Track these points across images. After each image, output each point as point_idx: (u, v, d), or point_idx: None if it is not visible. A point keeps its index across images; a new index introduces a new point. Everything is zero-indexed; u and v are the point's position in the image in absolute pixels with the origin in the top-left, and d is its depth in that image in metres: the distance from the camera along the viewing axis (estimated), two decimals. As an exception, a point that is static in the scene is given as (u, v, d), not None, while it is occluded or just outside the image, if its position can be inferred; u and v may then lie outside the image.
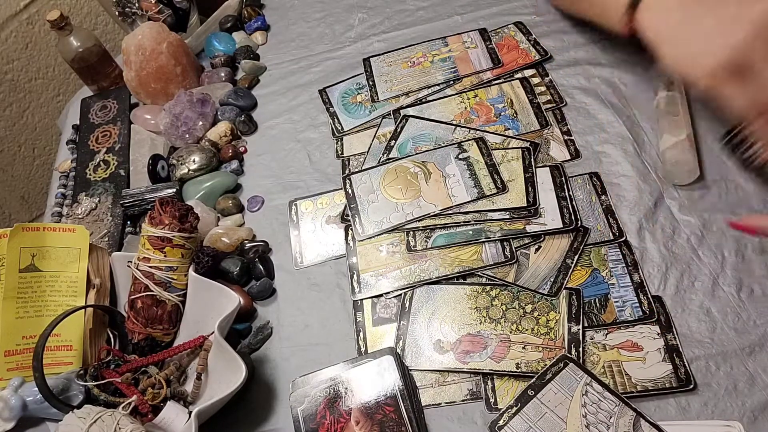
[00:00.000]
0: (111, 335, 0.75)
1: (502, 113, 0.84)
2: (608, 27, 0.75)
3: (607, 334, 0.63)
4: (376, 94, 0.93)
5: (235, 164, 0.92)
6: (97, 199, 0.93)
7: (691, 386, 0.58)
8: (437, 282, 0.71)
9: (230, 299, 0.67)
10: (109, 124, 1.04)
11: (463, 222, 0.74)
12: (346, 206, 0.80)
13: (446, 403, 0.63)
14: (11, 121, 1.50)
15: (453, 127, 0.84)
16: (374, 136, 0.88)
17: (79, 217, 0.92)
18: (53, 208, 0.96)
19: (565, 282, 0.67)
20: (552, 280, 0.68)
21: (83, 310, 0.72)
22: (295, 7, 1.16)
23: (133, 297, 0.72)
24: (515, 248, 0.71)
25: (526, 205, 0.73)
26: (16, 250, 0.73)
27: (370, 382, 0.63)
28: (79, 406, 0.64)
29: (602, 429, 0.57)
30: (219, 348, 0.65)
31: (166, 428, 0.65)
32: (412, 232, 0.75)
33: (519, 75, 0.89)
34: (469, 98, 0.87)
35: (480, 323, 0.67)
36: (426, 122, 0.86)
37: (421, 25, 1.02)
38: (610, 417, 0.57)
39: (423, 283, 0.71)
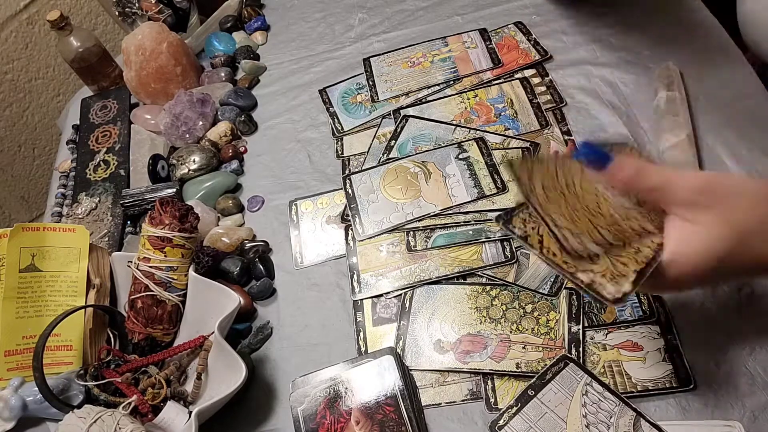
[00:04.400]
0: (111, 335, 0.75)
1: (502, 113, 0.84)
2: None
3: (607, 333, 0.63)
4: (376, 94, 0.93)
5: (235, 164, 0.92)
6: (97, 199, 0.93)
7: (691, 386, 0.58)
8: (437, 282, 0.71)
9: (230, 299, 0.67)
10: (109, 124, 1.04)
11: (463, 222, 0.74)
12: (346, 206, 0.80)
13: (446, 403, 0.63)
14: (11, 121, 1.50)
15: (453, 127, 0.84)
16: (374, 136, 0.88)
17: (79, 217, 0.92)
18: (53, 208, 0.96)
19: (565, 282, 0.67)
20: (552, 280, 0.68)
21: (83, 310, 0.72)
22: (295, 7, 1.16)
23: (133, 297, 0.72)
24: (515, 248, 0.71)
25: (526, 205, 0.73)
26: (16, 250, 0.73)
27: (370, 382, 0.63)
28: (79, 406, 0.64)
29: (602, 429, 0.57)
30: (219, 348, 0.65)
31: (166, 428, 0.65)
32: (412, 232, 0.75)
33: (519, 75, 0.89)
34: (469, 98, 0.87)
35: (480, 323, 0.67)
36: (426, 122, 0.86)
37: (421, 25, 1.02)
38: (611, 417, 0.57)
39: (423, 283, 0.71)
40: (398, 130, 0.87)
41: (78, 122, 1.07)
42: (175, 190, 0.87)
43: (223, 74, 1.04)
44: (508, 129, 0.82)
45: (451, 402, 0.63)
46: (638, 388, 0.59)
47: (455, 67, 0.92)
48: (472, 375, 0.64)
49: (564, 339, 0.63)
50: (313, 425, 0.62)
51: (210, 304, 0.69)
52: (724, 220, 0.42)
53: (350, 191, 0.81)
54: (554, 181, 0.49)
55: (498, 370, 0.63)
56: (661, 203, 0.45)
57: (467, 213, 0.74)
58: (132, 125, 1.02)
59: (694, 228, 0.43)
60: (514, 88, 0.87)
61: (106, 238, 0.88)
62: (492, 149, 0.79)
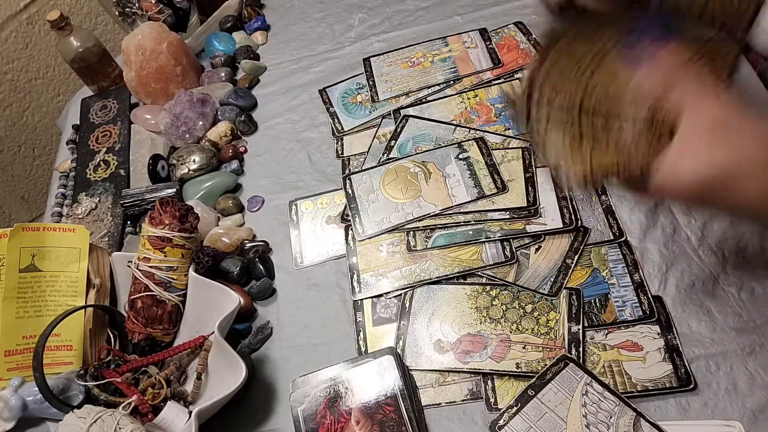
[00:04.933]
0: (111, 335, 0.75)
1: (503, 113, 0.84)
2: None
3: (607, 333, 0.63)
4: (376, 94, 0.93)
5: (235, 164, 0.92)
6: (97, 199, 0.93)
7: (691, 386, 0.58)
8: (437, 282, 0.71)
9: (230, 299, 0.67)
10: (109, 124, 1.04)
11: (463, 222, 0.74)
12: (346, 206, 0.80)
13: (446, 403, 0.63)
14: (11, 121, 1.50)
15: (453, 127, 0.84)
16: (374, 136, 0.88)
17: (79, 217, 0.92)
18: (53, 208, 0.96)
19: (565, 282, 0.67)
20: (552, 280, 0.68)
21: (83, 310, 0.72)
22: (295, 7, 1.16)
23: (133, 297, 0.72)
24: (515, 248, 0.71)
25: (526, 205, 0.73)
26: (16, 250, 0.73)
27: (371, 382, 0.63)
28: (79, 406, 0.64)
29: (602, 429, 0.57)
30: (219, 348, 0.65)
31: (166, 428, 0.65)
32: (412, 232, 0.75)
33: (519, 75, 0.89)
34: (469, 98, 0.87)
35: (480, 323, 0.67)
36: (426, 122, 0.86)
37: (421, 25, 1.02)
38: (611, 417, 0.57)
39: (423, 283, 0.71)
40: (398, 130, 0.87)
41: (78, 122, 1.07)
42: (175, 190, 0.87)
43: (223, 74, 1.04)
44: (508, 129, 0.82)
45: (451, 402, 0.63)
46: (638, 388, 0.59)
47: (455, 67, 0.92)
48: (472, 375, 0.64)
49: (564, 339, 0.63)
50: (313, 425, 0.62)
51: (210, 304, 0.69)
52: (730, 153, 0.42)
53: (350, 191, 0.81)
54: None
55: (498, 370, 0.63)
56: (676, 113, 0.44)
57: (467, 213, 0.74)
58: (132, 125, 1.02)
59: (700, 150, 0.43)
60: (515, 88, 0.87)
61: (106, 238, 0.88)
62: (492, 149, 0.79)
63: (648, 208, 0.71)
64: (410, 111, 0.89)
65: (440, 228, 0.74)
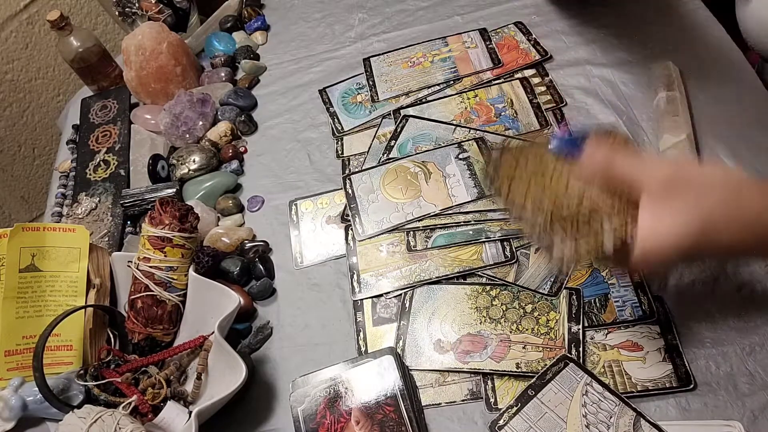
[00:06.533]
0: (111, 335, 0.75)
1: (502, 113, 0.84)
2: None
3: (607, 333, 0.63)
4: (376, 94, 0.93)
5: (235, 164, 0.92)
6: (97, 199, 0.93)
7: (691, 386, 0.58)
8: (437, 282, 0.71)
9: (230, 299, 0.67)
10: (109, 124, 1.04)
11: (464, 222, 0.74)
12: (346, 206, 0.80)
13: (446, 403, 0.63)
14: (11, 121, 1.50)
15: (453, 127, 0.84)
16: (374, 136, 0.88)
17: (79, 217, 0.92)
18: (53, 208, 0.96)
19: (565, 282, 0.67)
20: (552, 280, 0.68)
21: (83, 310, 0.72)
22: (295, 7, 1.16)
23: (133, 297, 0.72)
24: (515, 248, 0.71)
25: (526, 205, 0.73)
26: (16, 250, 0.73)
27: (371, 382, 0.63)
28: (79, 406, 0.64)
29: (602, 429, 0.57)
30: (219, 348, 0.65)
31: (166, 428, 0.65)
32: (412, 232, 0.75)
33: (519, 75, 0.89)
34: (469, 98, 0.87)
35: (480, 323, 0.67)
36: (426, 122, 0.86)
37: (421, 25, 1.02)
38: (611, 417, 0.57)
39: (423, 283, 0.71)
40: (398, 130, 0.87)
41: (78, 122, 1.07)
42: (175, 190, 0.87)
43: (223, 74, 1.04)
44: (508, 129, 0.82)
45: (451, 402, 0.63)
46: (638, 388, 0.59)
47: (455, 67, 0.92)
48: (472, 375, 0.64)
49: (564, 339, 0.63)
50: (313, 425, 0.62)
51: (210, 304, 0.69)
52: (692, 209, 0.43)
53: (350, 191, 0.81)
54: (521, 170, 0.52)
55: (498, 370, 0.63)
56: (633, 193, 0.46)
57: (467, 213, 0.74)
58: (132, 125, 1.02)
59: (664, 216, 0.44)
60: (514, 88, 0.87)
61: (106, 238, 0.88)
62: (492, 149, 0.79)
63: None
64: (410, 111, 0.89)
65: (440, 228, 0.74)
